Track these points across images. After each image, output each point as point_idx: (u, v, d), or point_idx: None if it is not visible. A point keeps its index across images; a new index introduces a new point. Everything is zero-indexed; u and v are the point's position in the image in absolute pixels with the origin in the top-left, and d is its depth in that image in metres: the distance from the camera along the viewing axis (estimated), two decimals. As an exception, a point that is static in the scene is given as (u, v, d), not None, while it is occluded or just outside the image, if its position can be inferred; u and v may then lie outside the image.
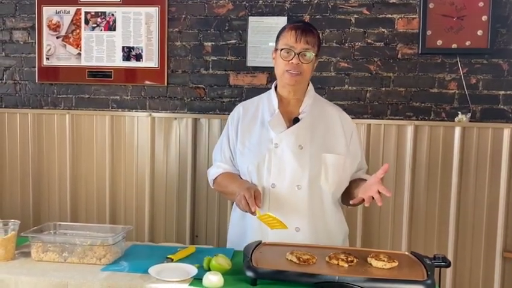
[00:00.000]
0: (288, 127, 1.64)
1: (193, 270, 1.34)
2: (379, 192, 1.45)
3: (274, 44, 1.71)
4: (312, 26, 1.69)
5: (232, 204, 1.79)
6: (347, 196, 1.70)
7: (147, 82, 2.63)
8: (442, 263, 1.35)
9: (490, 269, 2.37)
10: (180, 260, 1.45)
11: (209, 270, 1.35)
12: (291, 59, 1.60)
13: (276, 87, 1.73)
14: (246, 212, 1.52)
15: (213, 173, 1.79)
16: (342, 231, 1.73)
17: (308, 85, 1.72)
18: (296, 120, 1.66)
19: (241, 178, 1.70)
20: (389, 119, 2.45)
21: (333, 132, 1.68)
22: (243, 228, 1.70)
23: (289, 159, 1.61)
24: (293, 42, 1.61)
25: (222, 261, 1.37)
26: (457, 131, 2.37)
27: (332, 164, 1.63)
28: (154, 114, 2.60)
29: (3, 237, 1.44)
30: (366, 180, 1.69)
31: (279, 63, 1.64)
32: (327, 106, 1.76)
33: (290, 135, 1.63)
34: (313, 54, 1.63)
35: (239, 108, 1.78)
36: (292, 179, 1.61)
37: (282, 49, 1.62)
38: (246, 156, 1.68)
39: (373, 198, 1.48)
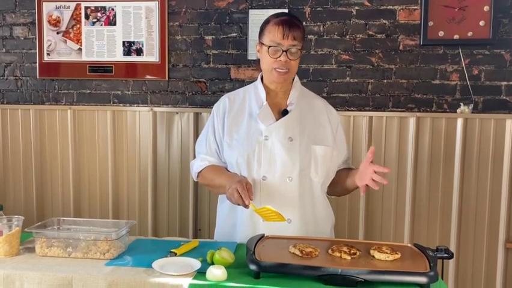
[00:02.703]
0: (277, 119, 1.64)
1: (196, 264, 1.35)
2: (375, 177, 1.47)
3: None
4: (297, 19, 1.66)
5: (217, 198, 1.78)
6: (334, 186, 1.72)
7: (148, 77, 2.62)
8: (445, 255, 1.35)
9: (493, 259, 2.38)
10: (184, 254, 1.46)
11: (212, 264, 1.36)
12: (279, 57, 1.59)
13: (261, 78, 1.72)
14: (239, 205, 1.52)
15: (197, 165, 1.75)
16: (330, 221, 1.74)
17: (294, 77, 1.71)
18: (285, 112, 1.65)
19: (228, 171, 1.68)
20: (390, 111, 2.45)
21: (320, 123, 1.68)
22: (232, 221, 1.69)
23: (280, 152, 1.61)
24: (280, 38, 1.58)
25: (225, 254, 1.37)
26: (459, 122, 2.36)
27: (321, 155, 1.63)
28: (156, 109, 2.60)
29: (8, 233, 1.45)
30: (352, 169, 1.71)
31: (266, 60, 1.62)
32: (314, 98, 1.76)
33: (280, 127, 1.62)
34: (300, 48, 1.61)
35: (225, 100, 1.74)
36: (283, 171, 1.61)
37: (269, 46, 1.59)
38: (234, 149, 1.66)
39: (367, 186, 1.50)
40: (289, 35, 1.58)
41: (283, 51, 1.58)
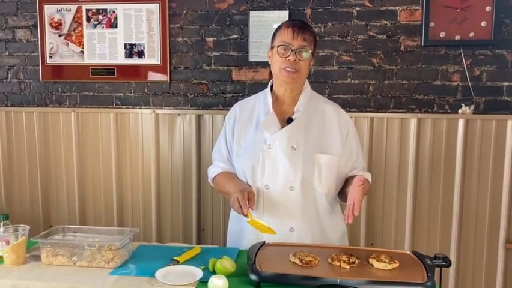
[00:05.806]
0: (282, 127, 1.63)
1: (198, 273, 1.38)
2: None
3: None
4: (309, 24, 1.68)
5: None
6: (343, 194, 1.69)
7: (150, 79, 2.63)
8: (443, 263, 1.37)
9: (493, 260, 2.40)
10: (186, 262, 1.49)
11: (214, 272, 1.39)
12: (288, 56, 1.59)
13: (271, 87, 1.72)
14: (239, 213, 1.54)
15: (212, 171, 1.81)
16: (339, 231, 1.72)
17: (304, 83, 1.71)
18: (289, 120, 1.64)
19: (238, 178, 1.70)
20: (392, 112, 2.45)
21: (328, 131, 1.66)
22: (240, 227, 1.72)
23: (282, 161, 1.61)
24: (290, 39, 1.59)
25: (226, 263, 1.40)
26: (461, 123, 2.37)
27: (325, 164, 1.61)
28: (158, 111, 2.62)
29: (15, 242, 1.48)
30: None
31: (276, 61, 1.63)
32: (324, 104, 1.72)
33: (283, 136, 1.62)
34: (310, 51, 1.61)
35: (236, 108, 1.77)
36: (285, 180, 1.61)
37: (278, 46, 1.60)
38: (241, 157, 1.68)
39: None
40: (299, 36, 1.59)
41: (292, 50, 1.59)
